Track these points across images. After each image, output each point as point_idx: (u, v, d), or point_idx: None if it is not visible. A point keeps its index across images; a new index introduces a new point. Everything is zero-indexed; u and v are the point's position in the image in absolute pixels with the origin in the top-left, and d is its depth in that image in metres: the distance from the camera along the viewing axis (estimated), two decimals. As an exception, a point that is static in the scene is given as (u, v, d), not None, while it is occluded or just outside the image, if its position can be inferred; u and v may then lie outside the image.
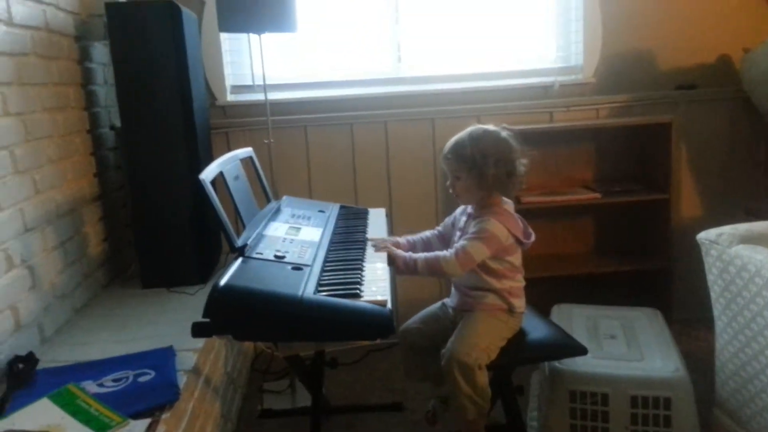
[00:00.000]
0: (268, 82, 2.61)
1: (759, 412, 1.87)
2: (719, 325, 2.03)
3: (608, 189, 2.87)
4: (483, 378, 1.74)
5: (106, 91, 2.63)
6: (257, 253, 1.68)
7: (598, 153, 3.04)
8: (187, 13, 2.41)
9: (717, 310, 2.02)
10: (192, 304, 2.23)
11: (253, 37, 2.55)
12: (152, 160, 2.36)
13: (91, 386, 1.59)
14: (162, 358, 1.75)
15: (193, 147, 2.39)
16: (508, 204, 1.85)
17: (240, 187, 1.95)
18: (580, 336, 2.06)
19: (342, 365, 2.32)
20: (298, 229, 1.97)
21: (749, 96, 2.89)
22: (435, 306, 2.01)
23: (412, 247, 1.99)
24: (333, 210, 2.28)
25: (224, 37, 2.88)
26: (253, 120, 2.87)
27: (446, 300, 1.98)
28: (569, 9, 3.01)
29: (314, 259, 1.73)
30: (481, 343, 1.75)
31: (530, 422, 2.15)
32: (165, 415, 1.48)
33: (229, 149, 2.63)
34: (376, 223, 2.19)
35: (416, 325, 1.98)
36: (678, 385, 1.89)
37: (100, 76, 2.59)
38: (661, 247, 2.90)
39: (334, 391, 2.50)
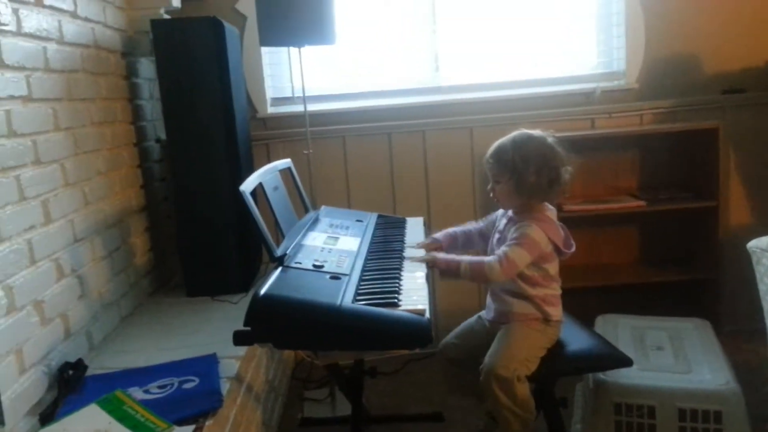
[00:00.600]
0: (307, 93, 2.65)
1: (816, 428, 1.79)
2: (772, 336, 1.95)
3: (654, 197, 2.80)
4: (523, 389, 1.71)
5: (151, 106, 2.71)
6: (296, 263, 1.70)
7: (643, 160, 2.98)
8: (230, 28, 2.47)
9: (769, 321, 1.95)
10: (235, 312, 2.26)
11: (293, 50, 2.59)
12: (196, 172, 2.42)
13: (137, 392, 1.64)
14: (206, 366, 1.79)
15: (234, 159, 2.44)
16: (551, 211, 1.82)
17: (279, 198, 1.98)
18: (626, 347, 2.02)
19: (381, 374, 2.32)
20: (336, 238, 1.98)
21: (801, 99, 2.79)
22: (471, 320, 2.00)
23: (453, 240, 1.98)
24: (371, 219, 2.29)
25: (265, 50, 2.94)
26: (293, 131, 2.91)
27: (482, 313, 1.96)
28: (610, 14, 2.97)
29: (352, 269, 1.74)
30: (518, 354, 1.73)
31: (573, 435, 2.11)
32: (208, 422, 1.51)
33: (269, 160, 2.67)
34: (414, 232, 2.19)
35: (453, 341, 1.97)
36: (729, 398, 1.83)
37: (146, 90, 2.68)
38: (709, 256, 2.81)
39: (373, 401, 2.50)
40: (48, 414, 1.57)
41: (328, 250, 1.85)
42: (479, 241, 1.96)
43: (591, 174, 2.93)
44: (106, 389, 1.60)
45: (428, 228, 2.44)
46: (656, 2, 2.89)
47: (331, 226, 2.11)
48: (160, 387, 1.68)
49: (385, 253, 1.94)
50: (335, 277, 1.65)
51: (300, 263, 1.70)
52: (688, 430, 1.84)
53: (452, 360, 1.95)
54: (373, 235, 2.11)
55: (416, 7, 2.97)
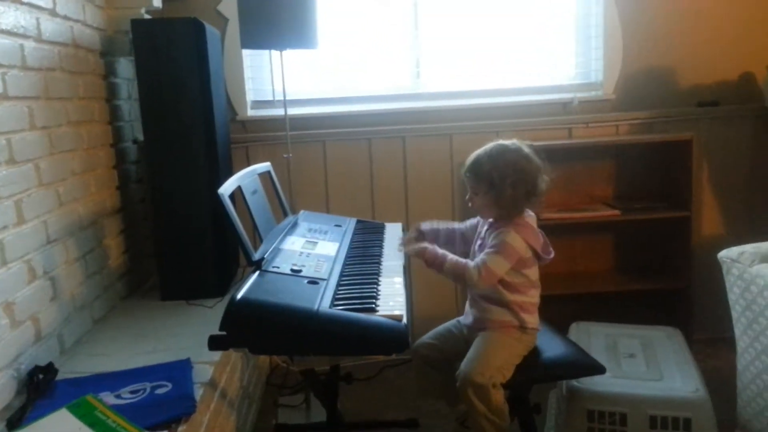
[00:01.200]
0: (288, 97, 2.64)
1: (783, 436, 1.83)
2: (741, 345, 1.99)
3: (628, 206, 2.85)
4: (498, 397, 1.72)
5: (129, 106, 2.68)
6: (274, 267, 1.69)
7: (618, 170, 3.02)
8: (211, 30, 2.45)
9: (738, 329, 1.99)
10: (210, 317, 2.24)
11: (274, 53, 2.58)
12: (173, 174, 2.40)
13: (108, 397, 1.61)
14: (179, 371, 1.77)
15: (213, 161, 2.42)
16: (531, 217, 1.83)
17: (258, 202, 1.97)
18: (599, 354, 2.04)
19: (357, 380, 2.32)
20: (315, 243, 1.98)
21: (772, 113, 2.86)
22: (450, 323, 2.00)
23: (435, 234, 1.98)
24: (350, 224, 2.29)
25: (246, 53, 2.92)
26: (273, 135, 2.90)
27: (461, 318, 1.97)
28: (589, 26, 3.01)
29: (330, 273, 1.73)
30: (494, 362, 1.74)
31: (547, 441, 2.12)
32: (181, 428, 1.49)
33: (249, 163, 2.66)
34: (393, 237, 2.19)
35: (430, 341, 1.97)
36: (698, 405, 1.86)
37: (125, 91, 2.65)
38: (681, 266, 2.86)
39: (349, 407, 2.50)
40: (16, 419, 1.54)
41: (307, 255, 1.85)
42: (460, 243, 1.97)
43: (567, 183, 2.97)
44: (76, 394, 1.57)
45: (407, 234, 2.45)
46: (634, 15, 2.94)
47: (309, 230, 2.11)
48: (132, 392, 1.65)
49: (363, 258, 1.94)
50: (313, 281, 1.65)
51: (278, 267, 1.70)
52: (659, 437, 1.87)
53: (425, 358, 1.94)
54: (352, 241, 2.12)
55: (398, 14, 2.99)
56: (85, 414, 1.48)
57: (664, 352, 2.14)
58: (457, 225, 2.01)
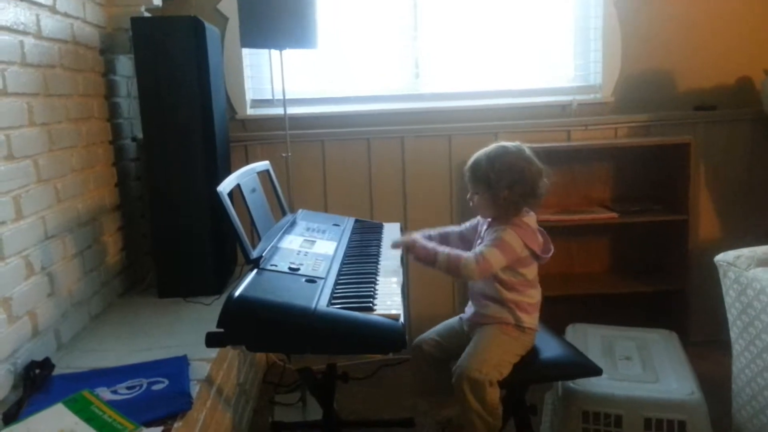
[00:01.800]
0: (287, 96, 2.64)
1: (777, 439, 1.84)
2: (736, 348, 2.00)
3: (626, 209, 2.85)
4: (494, 395, 1.73)
5: (128, 103, 2.68)
6: (272, 265, 1.70)
7: (616, 172, 3.03)
8: (211, 29, 2.46)
9: (734, 333, 2.00)
10: (207, 314, 2.25)
11: (274, 52, 2.58)
12: (172, 172, 2.40)
13: (105, 393, 1.61)
14: (176, 367, 1.77)
15: (212, 159, 2.43)
16: (530, 216, 1.84)
17: (256, 200, 1.98)
18: (595, 356, 2.05)
19: (354, 379, 2.32)
20: (313, 242, 1.99)
21: (770, 118, 2.87)
22: (453, 319, 2.00)
23: (428, 239, 1.99)
24: (348, 224, 2.30)
25: (245, 52, 2.93)
26: (272, 134, 2.91)
27: (462, 314, 1.98)
28: (588, 28, 3.02)
29: (328, 272, 1.74)
30: (491, 359, 1.74)
31: (542, 442, 2.13)
32: (177, 424, 1.49)
33: (248, 162, 2.66)
34: (391, 237, 2.19)
35: (432, 337, 1.96)
36: (693, 408, 1.86)
37: (124, 88, 2.65)
38: (678, 269, 2.87)
39: (345, 406, 2.50)
40: (12, 413, 1.54)
41: (305, 254, 1.85)
42: (458, 244, 1.97)
43: (565, 185, 2.98)
44: (73, 389, 1.57)
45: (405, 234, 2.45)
46: (633, 19, 2.95)
47: (308, 229, 2.12)
48: (128, 388, 1.66)
49: (361, 257, 1.95)
50: (311, 280, 1.65)
51: (276, 266, 1.70)
52: (654, 439, 1.88)
53: (427, 354, 1.94)
54: (350, 240, 2.12)
55: (398, 15, 2.99)
56: (81, 409, 1.48)
57: (659, 355, 2.15)
58: (451, 228, 2.02)
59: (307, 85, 3.03)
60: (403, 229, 2.40)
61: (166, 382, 1.68)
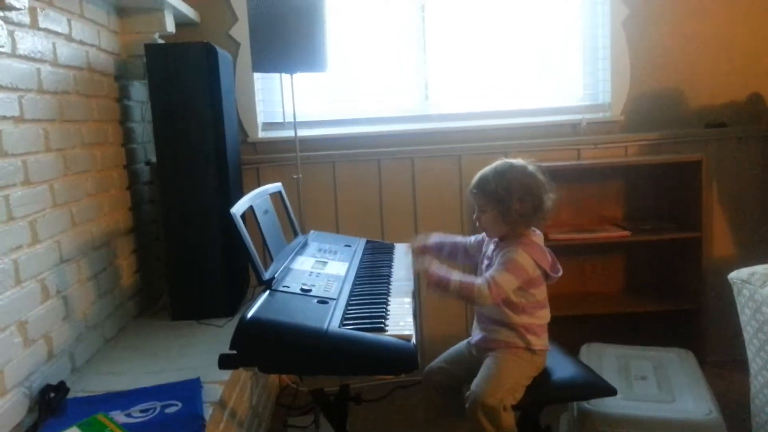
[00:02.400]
0: (298, 119, 2.67)
1: (798, 460, 1.80)
2: (753, 367, 1.97)
3: (638, 227, 2.84)
4: (508, 419, 1.71)
5: (142, 128, 2.72)
6: (284, 287, 1.70)
7: (628, 191, 3.02)
8: (223, 54, 2.50)
9: (751, 351, 1.97)
10: (220, 336, 2.25)
11: (285, 76, 2.62)
12: (185, 195, 2.42)
13: (119, 416, 1.62)
14: (189, 390, 1.77)
15: (224, 182, 2.45)
16: (537, 235, 1.84)
17: (269, 222, 1.99)
18: (610, 376, 2.03)
19: (367, 401, 2.30)
20: (325, 263, 1.99)
21: (781, 134, 2.86)
22: (460, 345, 2.00)
23: (440, 248, 2.00)
24: (359, 245, 2.30)
25: (257, 76, 2.97)
26: (283, 156, 2.93)
27: (470, 339, 1.97)
28: (597, 47, 3.04)
29: (340, 293, 1.74)
30: (505, 383, 1.73)
31: (558, 464, 2.10)
32: (190, 447, 1.49)
33: (259, 184, 2.68)
34: (402, 258, 2.20)
35: (441, 365, 1.96)
36: (711, 429, 1.84)
37: (138, 113, 2.69)
38: (692, 287, 2.84)
39: (358, 428, 2.48)
40: (28, 437, 1.55)
41: (316, 275, 1.86)
42: (463, 257, 1.98)
43: (577, 203, 2.97)
44: (88, 412, 1.58)
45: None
46: (641, 38, 2.96)
47: (319, 250, 2.12)
48: (142, 411, 1.66)
49: (372, 278, 1.95)
50: (323, 301, 1.65)
51: (288, 287, 1.70)
52: (672, 460, 1.85)
53: (437, 384, 1.93)
54: (361, 260, 2.12)
55: (407, 37, 3.03)
56: (95, 432, 1.48)
57: (676, 374, 2.12)
58: (460, 239, 2.02)
59: (318, 107, 3.07)
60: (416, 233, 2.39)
61: (180, 405, 1.68)
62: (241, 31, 2.88)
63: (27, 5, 1.65)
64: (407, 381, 2.74)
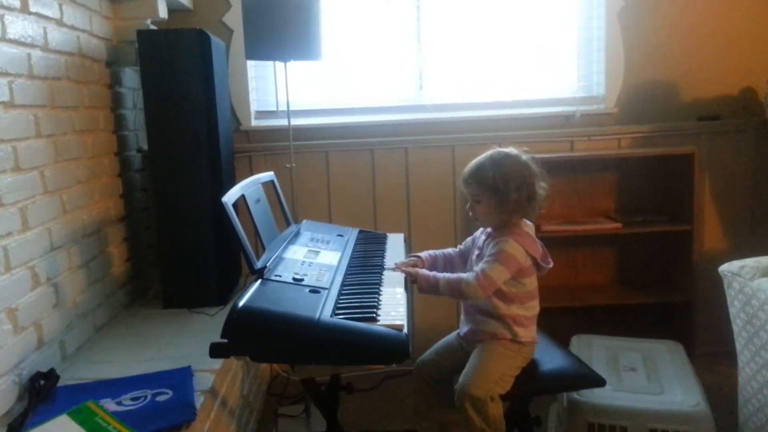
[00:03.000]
0: (291, 108, 2.66)
1: (784, 451, 1.82)
2: (742, 359, 1.99)
3: (630, 219, 2.85)
4: (496, 410, 1.72)
5: (134, 115, 2.70)
6: (276, 276, 1.70)
7: (620, 183, 3.03)
8: (216, 41, 2.48)
9: (739, 344, 1.99)
10: (211, 325, 2.25)
11: (279, 64, 2.60)
12: (177, 183, 2.41)
13: (109, 404, 1.61)
14: (180, 378, 1.77)
15: (216, 170, 2.44)
16: (529, 226, 1.84)
17: (261, 211, 1.98)
18: (600, 367, 2.04)
19: (358, 391, 2.31)
20: (317, 252, 1.99)
21: (773, 128, 2.87)
22: (450, 336, 2.00)
23: (433, 262, 1.99)
24: (352, 234, 2.30)
25: (250, 64, 2.95)
26: (276, 145, 2.92)
27: (459, 330, 1.97)
28: (591, 40, 3.04)
29: (332, 283, 1.74)
30: (492, 374, 1.74)
31: (547, 454, 2.12)
32: (181, 435, 1.49)
33: (252, 173, 2.68)
34: (395, 248, 2.20)
35: (432, 357, 1.97)
36: (699, 419, 1.85)
37: (130, 100, 2.67)
38: (683, 279, 2.86)
39: (349, 417, 2.49)
40: (17, 425, 1.54)
41: (309, 264, 1.85)
42: (459, 264, 1.97)
43: (569, 195, 2.98)
44: (78, 400, 1.57)
45: (408, 244, 2.46)
46: (635, 30, 2.96)
47: (312, 240, 2.12)
48: (133, 399, 1.66)
49: (365, 268, 1.94)
50: (315, 290, 1.65)
51: (280, 276, 1.70)
52: (660, 451, 1.87)
53: (428, 377, 1.94)
54: (354, 250, 2.12)
55: (402, 26, 3.01)
56: (85, 420, 1.48)
57: (665, 366, 2.14)
58: (452, 250, 2.02)
59: (311, 96, 3.05)
60: (407, 240, 2.40)
61: (171, 393, 1.68)
62: (234, 17, 2.85)
63: (17, -11, 1.63)
64: (398, 371, 2.75)
